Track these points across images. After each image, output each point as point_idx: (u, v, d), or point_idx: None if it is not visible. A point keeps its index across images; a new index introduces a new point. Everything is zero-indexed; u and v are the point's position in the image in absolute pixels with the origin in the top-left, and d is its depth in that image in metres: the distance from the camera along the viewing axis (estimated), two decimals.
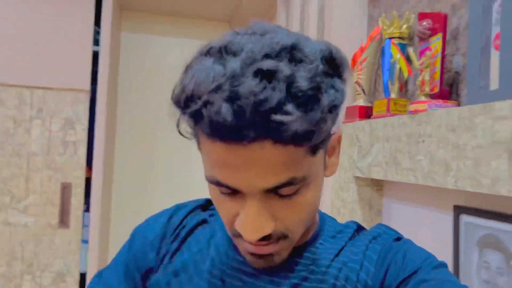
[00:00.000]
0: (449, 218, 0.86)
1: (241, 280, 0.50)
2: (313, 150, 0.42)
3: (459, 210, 0.81)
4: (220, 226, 0.56)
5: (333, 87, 0.40)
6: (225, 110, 0.37)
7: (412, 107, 0.85)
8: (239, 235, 0.45)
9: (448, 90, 0.86)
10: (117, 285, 0.56)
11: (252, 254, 0.46)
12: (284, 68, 0.38)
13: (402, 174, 0.86)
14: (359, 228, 0.55)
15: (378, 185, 1.12)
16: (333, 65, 0.41)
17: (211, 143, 0.40)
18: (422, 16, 0.89)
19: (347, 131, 1.12)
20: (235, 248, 0.52)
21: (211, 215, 0.58)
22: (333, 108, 0.41)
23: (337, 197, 1.17)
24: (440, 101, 0.81)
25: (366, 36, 1.24)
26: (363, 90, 1.15)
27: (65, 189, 1.96)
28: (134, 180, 2.31)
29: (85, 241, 2.07)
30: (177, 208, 0.59)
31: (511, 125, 0.60)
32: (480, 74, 0.72)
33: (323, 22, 1.34)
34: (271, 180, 0.40)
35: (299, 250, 0.51)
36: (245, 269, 0.51)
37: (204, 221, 0.57)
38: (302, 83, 0.38)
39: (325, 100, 0.39)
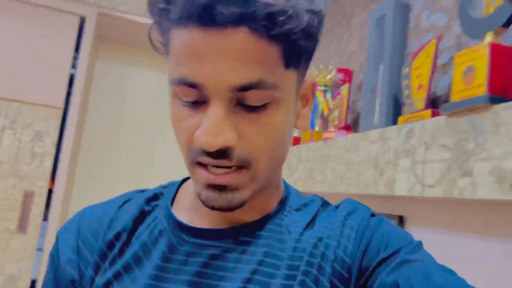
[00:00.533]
0: None
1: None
2: (286, 61, 0.40)
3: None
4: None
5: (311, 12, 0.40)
6: None
7: (325, 135, 1.14)
8: (196, 161, 0.42)
9: (351, 125, 1.15)
10: None
11: (209, 186, 0.42)
12: None
13: (316, 186, 1.14)
14: (324, 203, 0.52)
15: None
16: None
17: (183, 30, 0.39)
18: (339, 70, 1.20)
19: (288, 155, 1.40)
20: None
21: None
22: (317, 15, 0.40)
23: None
24: (344, 131, 1.10)
25: None
26: None
27: (28, 197, 2.10)
28: (94, 195, 2.47)
29: (40, 249, 2.18)
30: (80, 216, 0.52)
31: (377, 147, 0.89)
32: (367, 111, 1.02)
33: None
34: (241, 75, 0.38)
35: (261, 222, 0.48)
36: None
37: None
38: None
39: (306, 3, 0.39)
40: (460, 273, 0.42)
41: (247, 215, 0.48)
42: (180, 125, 0.42)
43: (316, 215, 0.49)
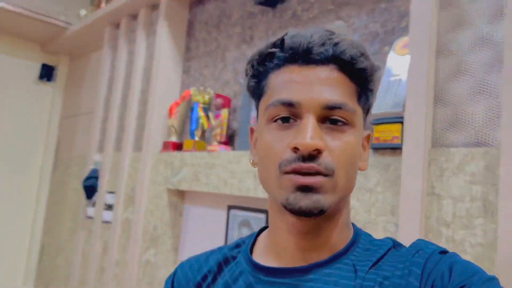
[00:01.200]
0: (224, 212, 1.49)
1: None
2: (359, 97, 0.51)
3: (230, 207, 1.45)
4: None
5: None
6: (302, 36, 0.50)
7: (209, 148, 1.46)
8: (285, 171, 0.48)
9: (228, 140, 1.50)
10: None
11: (298, 188, 0.47)
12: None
13: (201, 187, 1.45)
14: (396, 245, 0.55)
15: (181, 195, 1.68)
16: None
17: (285, 71, 0.51)
18: (217, 95, 1.52)
19: (163, 158, 1.66)
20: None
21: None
22: (378, 69, 0.52)
23: (150, 202, 1.67)
24: (224, 146, 1.44)
25: (178, 94, 1.82)
26: (175, 130, 1.71)
27: None
28: None
29: None
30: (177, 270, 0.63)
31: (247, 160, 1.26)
32: (244, 132, 1.39)
33: (147, 78, 1.85)
34: (331, 97, 0.48)
35: (330, 261, 0.52)
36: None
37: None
38: (359, 43, 0.51)
39: (376, 67, 0.52)
40: None
41: (317, 254, 0.52)
42: (272, 145, 0.50)
43: (384, 255, 0.52)
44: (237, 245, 0.59)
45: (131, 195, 1.79)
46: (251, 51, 1.43)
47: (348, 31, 1.15)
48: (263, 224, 1.29)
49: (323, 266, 0.51)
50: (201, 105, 1.60)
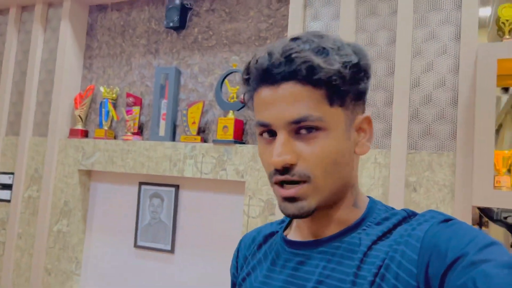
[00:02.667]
0: (136, 187, 1.90)
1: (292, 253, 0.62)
2: (330, 100, 0.55)
3: (141, 183, 1.87)
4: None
5: (349, 60, 0.55)
6: (262, 59, 0.55)
7: (124, 137, 1.84)
8: (274, 182, 0.57)
9: (140, 131, 1.90)
10: None
11: (284, 199, 0.56)
12: (313, 39, 0.55)
13: (117, 168, 1.82)
14: (411, 215, 0.58)
15: (88, 174, 2.00)
16: (358, 53, 0.57)
17: (259, 92, 0.57)
18: (128, 95, 1.89)
19: (73, 143, 1.94)
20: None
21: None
22: (348, 66, 0.54)
23: (60, 181, 1.94)
24: (137, 137, 1.84)
25: (79, 87, 2.09)
26: (82, 120, 2.00)
27: None
28: None
29: None
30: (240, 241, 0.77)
31: (171, 151, 1.72)
32: (155, 127, 1.82)
33: (48, 69, 2.06)
34: (293, 113, 0.53)
35: (339, 235, 0.59)
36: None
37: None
38: (324, 43, 0.55)
39: (339, 58, 0.54)
40: None
41: (329, 230, 0.60)
42: (263, 157, 0.59)
43: (393, 227, 0.56)
44: (282, 221, 0.72)
45: (34, 176, 2.00)
46: (156, 62, 1.88)
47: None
48: (173, 196, 1.78)
49: (333, 240, 0.59)
50: (110, 101, 1.94)
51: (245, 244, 0.75)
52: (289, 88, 0.55)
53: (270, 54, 0.55)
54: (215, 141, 1.64)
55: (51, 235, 1.93)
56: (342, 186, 0.59)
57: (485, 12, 1.44)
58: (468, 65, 1.30)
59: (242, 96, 0.77)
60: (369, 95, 1.42)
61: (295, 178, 0.55)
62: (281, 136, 0.55)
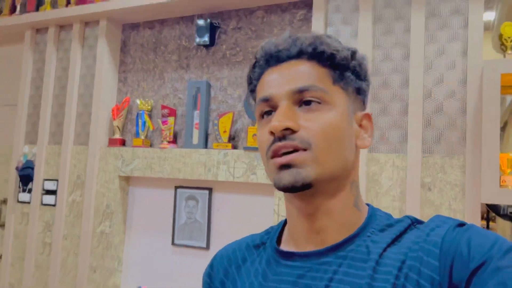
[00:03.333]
0: (172, 191, 2.08)
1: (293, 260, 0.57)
2: (333, 78, 0.57)
3: (176, 187, 2.05)
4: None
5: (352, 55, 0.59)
6: (268, 43, 0.60)
7: (161, 145, 2.02)
8: (271, 156, 0.55)
9: (174, 140, 2.08)
10: None
11: (280, 168, 0.53)
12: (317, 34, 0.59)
13: (155, 173, 2.00)
14: (415, 222, 0.56)
15: (126, 180, 2.18)
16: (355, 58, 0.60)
17: (264, 75, 0.59)
18: (163, 107, 2.08)
19: (113, 152, 2.12)
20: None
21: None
22: (350, 51, 0.58)
23: (101, 186, 2.13)
24: (173, 145, 2.03)
25: (115, 99, 2.27)
26: (119, 130, 2.18)
27: None
28: None
29: None
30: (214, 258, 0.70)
31: (205, 157, 1.90)
32: (188, 135, 2.00)
33: (86, 84, 2.24)
34: (298, 83, 0.55)
35: (342, 244, 0.55)
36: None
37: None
38: (328, 36, 0.59)
39: (342, 46, 0.59)
40: None
41: (330, 238, 0.56)
42: (261, 138, 0.58)
43: (400, 235, 0.54)
44: (268, 232, 0.67)
45: (76, 182, 2.19)
46: (188, 76, 2.06)
47: None
48: (207, 198, 1.96)
49: (337, 249, 0.55)
50: (146, 112, 2.13)
51: (218, 266, 0.67)
52: (295, 64, 0.57)
53: (276, 39, 0.60)
54: (246, 148, 1.81)
55: (95, 236, 2.12)
56: (342, 170, 0.56)
57: (490, 16, 1.60)
58: (474, 79, 1.48)
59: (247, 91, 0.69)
60: (385, 105, 1.60)
61: (295, 143, 0.53)
62: (283, 105, 0.55)
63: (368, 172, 1.60)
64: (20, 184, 2.32)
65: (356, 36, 1.68)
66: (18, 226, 2.34)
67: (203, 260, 1.96)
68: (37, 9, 2.42)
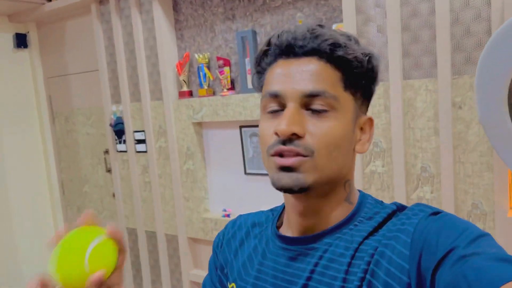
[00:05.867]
0: (238, 131, 2.42)
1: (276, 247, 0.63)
2: (345, 84, 0.56)
3: (241, 127, 2.39)
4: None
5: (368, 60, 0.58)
6: (287, 33, 0.57)
7: (223, 93, 2.33)
8: (272, 154, 0.56)
9: (232, 86, 2.38)
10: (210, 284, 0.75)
11: (280, 169, 0.55)
12: (335, 30, 0.57)
13: (219, 117, 2.34)
14: (400, 208, 0.58)
15: (199, 125, 2.56)
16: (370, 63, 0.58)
17: (275, 66, 0.58)
18: (218, 58, 2.34)
19: (184, 103, 2.48)
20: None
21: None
22: (367, 57, 0.57)
23: (180, 133, 2.53)
24: (232, 91, 2.33)
25: (177, 55, 2.57)
26: (186, 83, 2.52)
27: None
28: None
29: None
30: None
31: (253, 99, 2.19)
32: (243, 81, 2.28)
33: (150, 45, 2.56)
34: (310, 86, 0.53)
35: (330, 232, 0.58)
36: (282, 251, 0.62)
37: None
38: (347, 34, 0.58)
39: (359, 48, 0.57)
40: None
41: (320, 226, 0.60)
42: (264, 132, 0.58)
43: (383, 222, 0.56)
44: (272, 211, 0.72)
45: (159, 131, 2.62)
46: (235, 25, 2.28)
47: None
48: None
49: (324, 236, 0.59)
50: (205, 65, 2.42)
51: (233, 229, 0.75)
52: (309, 63, 0.56)
53: (295, 30, 0.57)
54: None
55: (182, 172, 2.57)
56: (337, 175, 0.58)
57: None
58: (498, 2, 1.54)
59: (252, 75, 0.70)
60: (416, 34, 1.72)
61: (299, 150, 0.54)
62: (291, 107, 0.55)
63: (404, 97, 1.79)
64: (116, 137, 2.81)
65: None
66: (122, 171, 2.88)
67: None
68: None
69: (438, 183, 1.74)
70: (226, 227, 0.77)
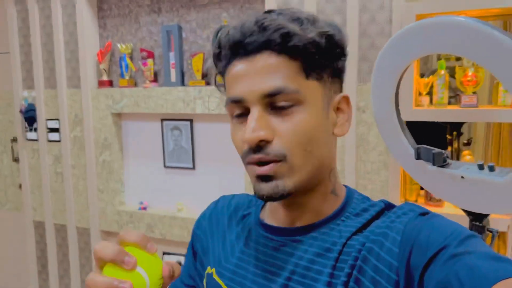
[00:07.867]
0: (159, 123, 2.44)
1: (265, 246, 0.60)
2: (306, 72, 0.52)
3: (162, 119, 2.41)
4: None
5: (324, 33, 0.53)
6: (234, 30, 0.53)
7: (145, 85, 2.33)
8: (248, 162, 0.54)
9: (155, 79, 2.39)
10: (186, 267, 0.74)
11: (258, 178, 0.53)
12: (287, 11, 0.52)
13: (142, 109, 2.34)
14: (388, 207, 0.57)
15: (119, 116, 2.53)
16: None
17: (231, 68, 0.54)
18: (142, 50, 2.35)
19: (104, 92, 2.43)
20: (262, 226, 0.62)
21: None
22: (324, 36, 0.52)
23: (97, 122, 2.48)
24: (154, 83, 2.34)
25: (98, 44, 2.52)
26: (106, 72, 2.48)
27: None
28: None
29: None
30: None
31: (183, 94, 2.23)
32: (167, 74, 2.31)
33: (70, 31, 2.48)
34: (269, 85, 0.50)
35: (316, 225, 0.57)
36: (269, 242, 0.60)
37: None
38: (299, 14, 0.53)
39: (315, 28, 0.52)
40: None
41: (305, 218, 0.59)
42: (235, 138, 0.56)
43: (372, 219, 0.55)
44: (257, 199, 0.69)
45: (75, 120, 2.54)
46: (160, 19, 2.31)
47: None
48: (189, 128, 2.33)
49: (310, 230, 0.57)
50: (128, 55, 2.40)
51: (222, 208, 0.73)
52: (263, 59, 0.52)
53: (242, 25, 0.53)
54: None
55: (98, 164, 2.52)
56: (319, 168, 0.57)
57: None
58: (397, 19, 1.77)
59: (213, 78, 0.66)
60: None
61: (270, 157, 0.52)
62: (255, 111, 0.53)
63: None
64: (26, 125, 2.66)
65: None
66: (31, 160, 2.73)
67: (191, 177, 2.39)
68: None
69: (342, 178, 1.93)
70: (208, 208, 0.75)
